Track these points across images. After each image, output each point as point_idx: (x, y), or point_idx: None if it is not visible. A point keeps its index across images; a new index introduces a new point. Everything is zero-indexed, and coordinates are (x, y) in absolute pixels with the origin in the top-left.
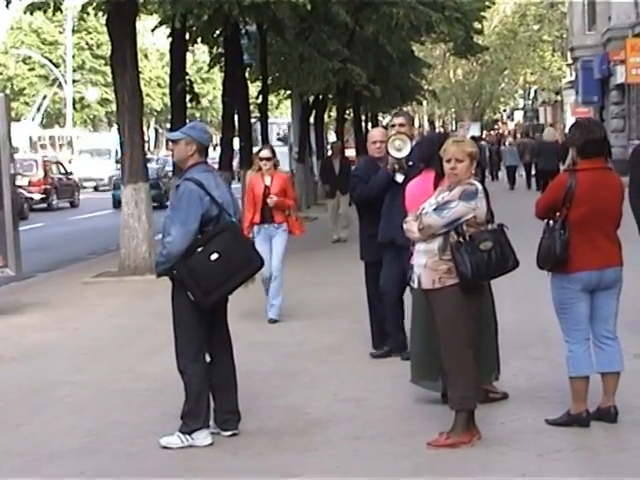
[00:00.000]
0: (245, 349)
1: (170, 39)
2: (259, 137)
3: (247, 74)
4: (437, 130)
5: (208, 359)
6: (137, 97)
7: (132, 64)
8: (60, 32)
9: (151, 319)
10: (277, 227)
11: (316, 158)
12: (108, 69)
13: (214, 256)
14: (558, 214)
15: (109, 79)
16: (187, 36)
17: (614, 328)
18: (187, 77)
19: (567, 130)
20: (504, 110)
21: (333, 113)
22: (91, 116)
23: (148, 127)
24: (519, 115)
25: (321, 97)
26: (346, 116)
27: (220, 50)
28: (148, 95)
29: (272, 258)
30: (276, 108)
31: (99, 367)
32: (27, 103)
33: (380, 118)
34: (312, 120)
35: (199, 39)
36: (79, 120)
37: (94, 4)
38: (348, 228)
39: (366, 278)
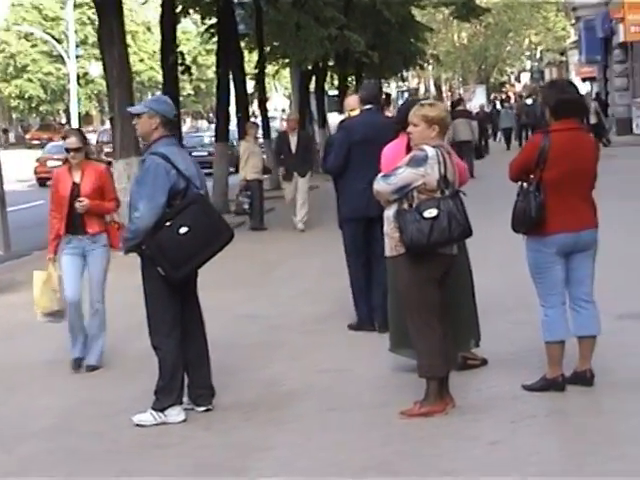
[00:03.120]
0: (230, 321)
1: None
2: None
3: (243, 44)
4: (444, 95)
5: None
6: (126, 71)
7: (119, 38)
8: (61, 7)
9: (137, 295)
10: (93, 240)
11: (318, 126)
12: None
13: (183, 230)
14: (532, 176)
15: None
16: (180, 7)
17: (591, 291)
18: (178, 49)
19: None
20: (511, 72)
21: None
22: (95, 91)
23: None
24: (526, 77)
25: (321, 65)
26: (350, 84)
27: (213, 20)
28: (152, 68)
29: (90, 285)
30: (273, 77)
31: None
32: (31, 80)
33: (386, 84)
34: (313, 88)
35: (191, 10)
36: (84, 96)
37: None
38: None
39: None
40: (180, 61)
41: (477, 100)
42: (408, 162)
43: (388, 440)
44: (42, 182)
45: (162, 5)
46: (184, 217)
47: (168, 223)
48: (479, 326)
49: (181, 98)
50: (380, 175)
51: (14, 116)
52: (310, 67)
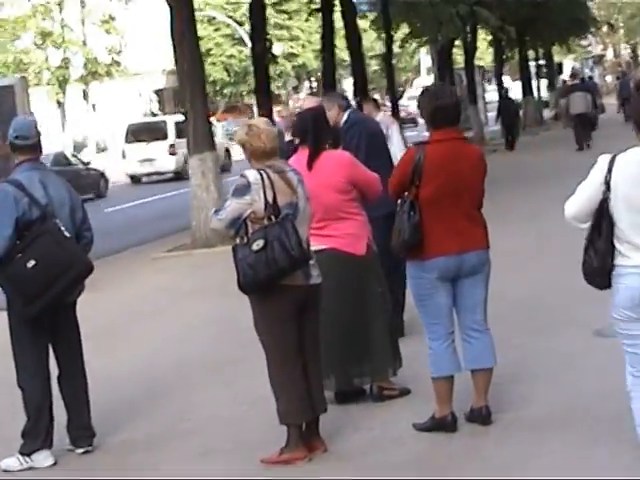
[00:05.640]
0: (212, 334)
1: None
2: None
3: (367, 24)
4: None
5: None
6: (197, 64)
7: (190, 31)
8: None
9: (173, 301)
10: None
11: (468, 102)
12: (292, 23)
13: (30, 263)
14: (407, 193)
15: (294, 33)
16: None
17: (483, 318)
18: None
19: None
20: None
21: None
22: (278, 71)
23: None
24: None
25: (470, 39)
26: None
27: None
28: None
29: None
30: (411, 57)
31: None
32: (214, 63)
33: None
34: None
35: None
36: None
37: None
38: None
39: None
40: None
41: None
42: (233, 192)
43: None
44: None
45: None
46: (33, 250)
47: (19, 255)
48: (399, 353)
49: None
50: (212, 210)
51: None
52: (448, 42)
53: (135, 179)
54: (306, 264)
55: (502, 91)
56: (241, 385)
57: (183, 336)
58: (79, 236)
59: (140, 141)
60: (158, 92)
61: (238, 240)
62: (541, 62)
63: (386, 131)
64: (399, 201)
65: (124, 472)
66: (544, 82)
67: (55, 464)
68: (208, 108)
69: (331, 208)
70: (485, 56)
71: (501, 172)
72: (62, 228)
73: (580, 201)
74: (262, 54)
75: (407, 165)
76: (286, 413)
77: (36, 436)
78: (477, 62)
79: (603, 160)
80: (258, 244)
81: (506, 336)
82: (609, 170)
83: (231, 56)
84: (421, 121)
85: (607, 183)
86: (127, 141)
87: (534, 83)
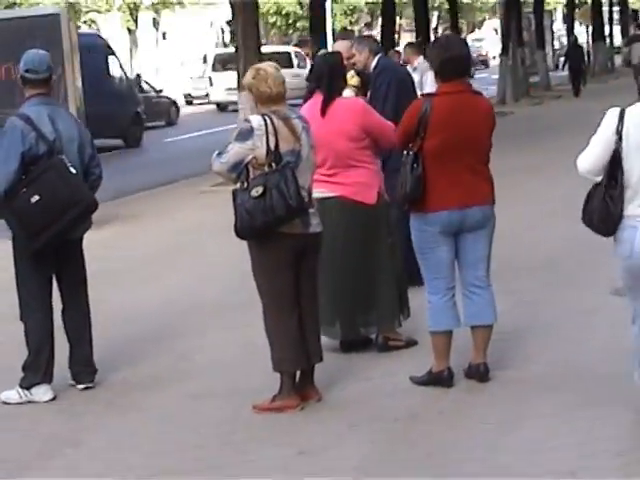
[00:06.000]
0: (234, 274)
1: None
2: None
3: None
4: None
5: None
6: None
7: None
8: None
9: (207, 238)
10: None
11: (536, 47)
12: None
13: (34, 198)
14: (411, 145)
15: None
16: None
17: (485, 274)
18: None
19: None
20: None
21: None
22: (351, 7)
23: None
24: None
25: None
26: None
27: None
28: None
29: None
30: None
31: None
32: None
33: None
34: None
35: None
36: (339, 12)
37: None
38: None
39: None
40: None
41: None
42: (236, 136)
43: (206, 440)
44: None
45: None
46: (37, 185)
47: (24, 190)
48: (407, 304)
49: None
50: (215, 153)
51: (272, 32)
52: None
53: (221, 106)
54: (305, 213)
55: (571, 37)
56: (247, 331)
57: (206, 275)
58: (87, 173)
59: (227, 70)
60: (231, 23)
61: (239, 184)
62: (615, 8)
63: (420, 77)
64: (404, 153)
65: (120, 409)
66: (617, 29)
67: (54, 399)
68: (260, 40)
69: (342, 155)
70: None
71: (559, 119)
72: (68, 164)
73: (593, 154)
74: None
75: (413, 116)
76: (279, 361)
77: (36, 370)
78: (550, 6)
79: (613, 112)
80: (257, 190)
81: (521, 291)
82: (620, 120)
83: None
84: (493, 62)
85: (619, 133)
86: (214, 69)
87: (607, 29)
